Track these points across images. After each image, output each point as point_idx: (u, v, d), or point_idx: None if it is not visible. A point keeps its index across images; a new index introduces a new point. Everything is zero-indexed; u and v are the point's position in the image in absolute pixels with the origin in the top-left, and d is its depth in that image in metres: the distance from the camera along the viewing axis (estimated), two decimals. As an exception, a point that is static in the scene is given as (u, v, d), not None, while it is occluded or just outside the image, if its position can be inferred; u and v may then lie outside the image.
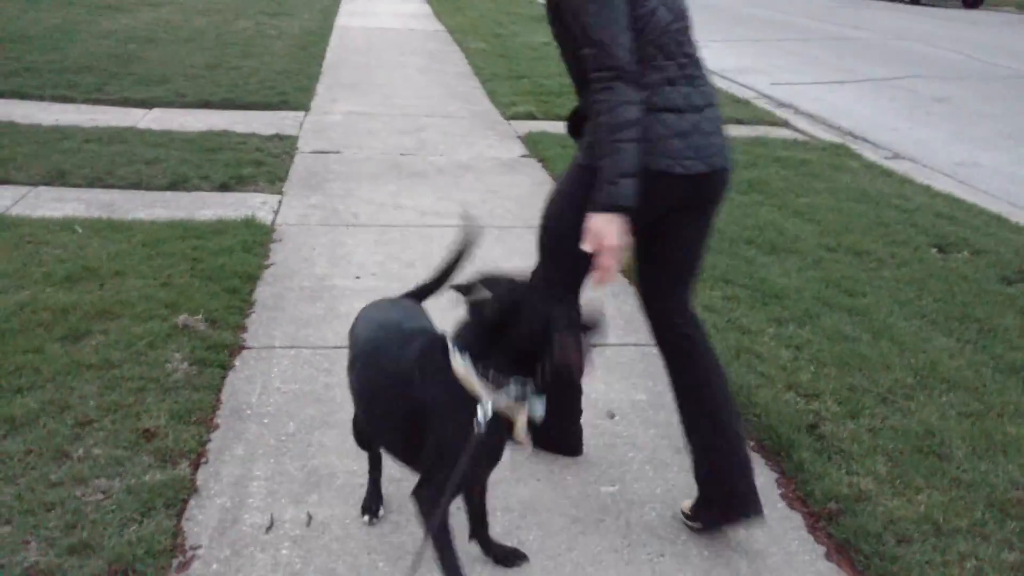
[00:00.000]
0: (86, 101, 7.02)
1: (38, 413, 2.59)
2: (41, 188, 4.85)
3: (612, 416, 2.95)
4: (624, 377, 3.20)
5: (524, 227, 4.74)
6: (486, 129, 6.92)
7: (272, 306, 3.56)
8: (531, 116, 7.40)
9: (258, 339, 3.26)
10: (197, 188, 5.05)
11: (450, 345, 1.85)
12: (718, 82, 9.57)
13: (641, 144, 2.03)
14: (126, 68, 8.18)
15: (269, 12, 13.16)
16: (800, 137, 7.23)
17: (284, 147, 6.02)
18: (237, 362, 3.07)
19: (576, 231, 2.08)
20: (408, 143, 6.31)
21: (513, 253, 4.32)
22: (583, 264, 2.14)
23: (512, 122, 7.17)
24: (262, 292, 3.67)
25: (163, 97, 7.25)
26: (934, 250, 4.64)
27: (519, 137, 6.72)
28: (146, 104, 7.06)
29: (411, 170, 5.68)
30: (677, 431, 2.43)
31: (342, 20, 13.20)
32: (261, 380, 2.97)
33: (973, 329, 3.68)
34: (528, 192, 5.38)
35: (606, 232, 2.03)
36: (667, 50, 2.13)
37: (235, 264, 3.80)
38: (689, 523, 2.40)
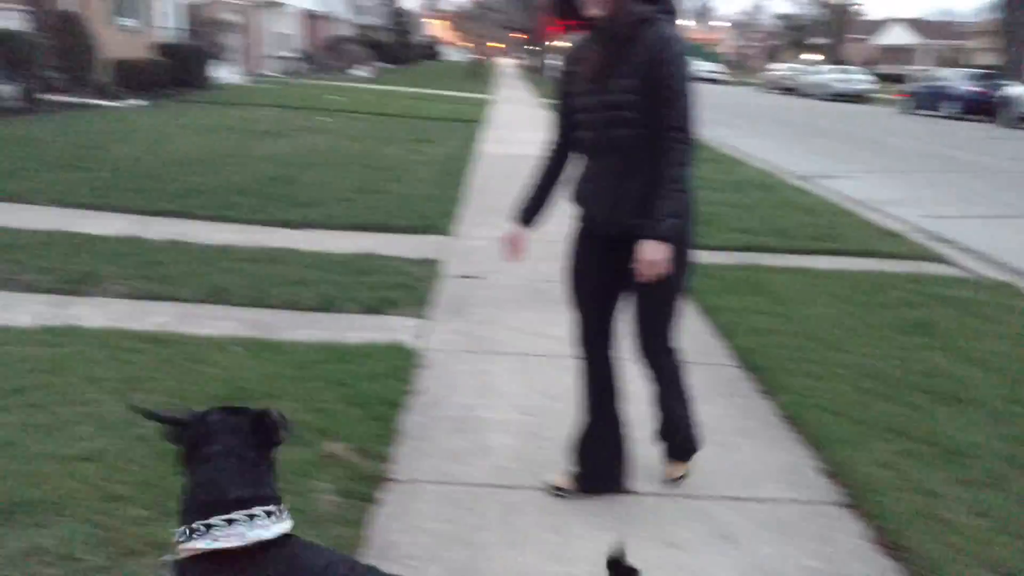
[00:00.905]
0: (246, 222, 7.39)
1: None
2: (202, 306, 5.04)
3: (781, 582, 2.69)
4: (788, 538, 2.93)
5: (672, 362, 4.57)
6: (628, 257, 6.86)
7: (418, 436, 3.49)
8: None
9: (405, 472, 3.18)
10: (346, 310, 5.14)
11: None
12: (866, 213, 9.28)
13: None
14: (283, 191, 8.62)
15: (416, 139, 13.79)
16: (960, 274, 6.83)
17: (429, 271, 6.11)
18: (383, 496, 2.99)
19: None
20: (550, 270, 6.27)
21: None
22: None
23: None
24: (409, 421, 3.62)
25: (316, 219, 7.56)
26: None
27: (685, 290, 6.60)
28: (300, 225, 7.37)
29: (553, 297, 5.63)
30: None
31: (486, 147, 13.68)
32: (407, 517, 2.87)
33: None
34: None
35: (658, 255, 2.69)
36: None
37: (382, 390, 3.78)
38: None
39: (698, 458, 3.40)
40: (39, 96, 14.93)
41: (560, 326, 4.90)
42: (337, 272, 5.86)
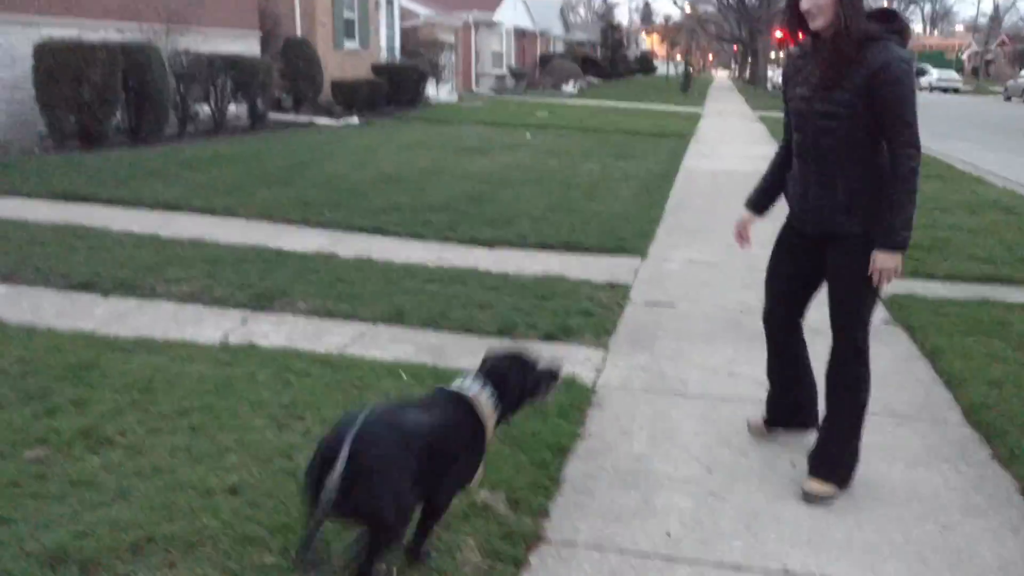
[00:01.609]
0: (437, 239, 7.36)
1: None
2: (379, 327, 4.96)
3: None
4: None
5: (887, 415, 3.94)
6: (840, 287, 6.17)
7: (581, 488, 3.15)
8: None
9: (561, 531, 2.85)
10: (524, 336, 4.88)
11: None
12: None
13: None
14: (477, 208, 8.56)
15: (616, 155, 13.48)
16: None
17: (615, 297, 5.75)
18: (533, 559, 2.67)
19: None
20: (751, 300, 5.74)
21: (870, 447, 3.56)
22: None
23: (871, 280, 6.35)
24: (572, 469, 3.28)
25: (506, 238, 7.40)
26: None
27: (883, 299, 5.88)
28: (490, 244, 7.24)
29: (752, 331, 5.10)
30: None
31: (689, 162, 13.14)
32: (557, 587, 2.53)
33: None
34: (890, 368, 4.56)
35: (891, 263, 2.90)
36: None
37: (548, 432, 3.46)
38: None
39: (903, 536, 2.84)
40: (267, 115, 15.96)
41: (758, 365, 4.40)
42: (520, 295, 5.64)
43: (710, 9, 58.85)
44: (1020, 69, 54.07)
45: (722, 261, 6.90)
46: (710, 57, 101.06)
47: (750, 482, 3.26)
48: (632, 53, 77.65)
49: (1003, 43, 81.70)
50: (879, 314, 5.56)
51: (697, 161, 13.40)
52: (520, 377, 2.64)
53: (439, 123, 18.21)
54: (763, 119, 23.85)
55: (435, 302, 5.38)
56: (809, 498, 3.13)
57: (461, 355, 4.52)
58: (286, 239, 7.01)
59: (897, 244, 2.87)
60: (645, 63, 78.21)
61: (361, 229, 7.56)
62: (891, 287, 6.19)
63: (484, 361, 2.68)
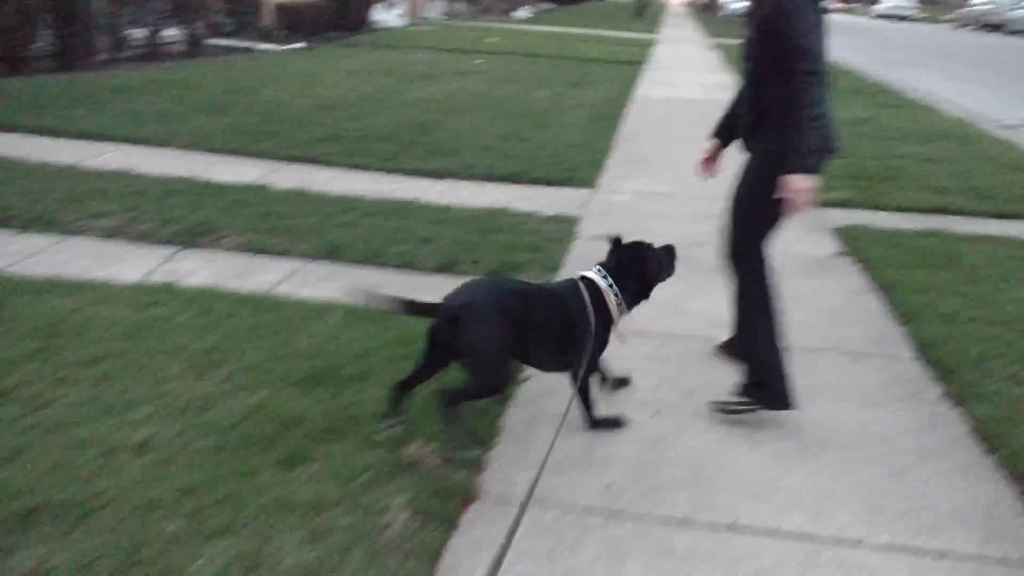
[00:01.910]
0: (379, 170, 7.04)
1: (225, 569, 2.15)
2: (313, 264, 4.69)
3: None
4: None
5: (840, 353, 3.82)
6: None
7: (520, 436, 2.97)
8: (849, 204, 6.40)
9: (496, 484, 2.67)
10: (466, 272, 4.65)
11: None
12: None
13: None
14: (423, 137, 8.23)
15: (570, 82, 13.10)
16: None
17: (563, 230, 5.54)
18: (465, 517, 2.49)
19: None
20: (701, 231, 5.56)
21: (821, 386, 3.44)
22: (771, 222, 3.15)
23: (825, 210, 6.20)
24: (512, 416, 3.10)
25: (452, 168, 7.11)
26: None
27: (834, 229, 5.75)
28: (435, 175, 6.95)
29: (702, 264, 4.93)
30: None
31: (642, 91, 12.83)
32: (490, 548, 2.36)
33: None
34: (842, 303, 4.44)
35: (805, 186, 2.89)
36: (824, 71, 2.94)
37: (488, 377, 3.27)
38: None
39: (854, 482, 2.73)
40: (205, 41, 15.24)
41: (708, 301, 4.25)
42: (464, 229, 5.39)
43: (666, -67, 57.58)
44: (972, -3, 54.15)
45: (673, 192, 6.70)
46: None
47: (697, 428, 3.11)
48: (587, -22, 75.94)
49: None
50: (829, 246, 5.43)
51: (650, 89, 13.10)
52: (640, 269, 3.09)
53: (387, 48, 17.58)
54: (718, 47, 23.50)
55: (374, 237, 5.12)
56: (716, 407, 3.23)
57: (399, 293, 4.28)
58: (218, 170, 6.64)
59: (801, 168, 2.90)
60: (600, -12, 76.60)
61: (299, 159, 7.20)
62: (843, 218, 6.10)
63: (609, 255, 3.11)
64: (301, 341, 3.53)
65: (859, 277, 4.86)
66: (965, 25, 42.29)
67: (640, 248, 3.13)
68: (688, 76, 15.21)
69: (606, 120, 9.84)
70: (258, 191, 6.07)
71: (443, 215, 5.71)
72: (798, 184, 2.89)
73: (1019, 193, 6.83)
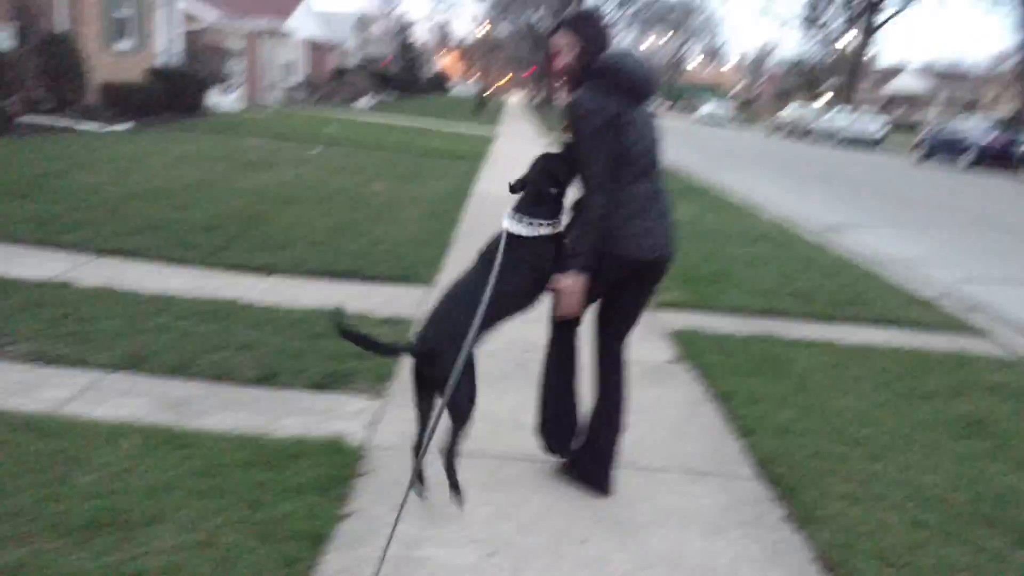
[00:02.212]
0: (201, 264, 6.56)
1: None
2: (112, 376, 4.18)
3: None
4: None
5: (682, 472, 3.69)
6: (629, 322, 6.01)
7: (337, 590, 2.62)
8: (682, 305, 6.47)
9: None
10: (288, 385, 4.28)
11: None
12: (892, 274, 8.42)
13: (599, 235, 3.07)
14: (252, 229, 7.80)
15: (408, 175, 13.01)
16: (1005, 354, 5.96)
17: (398, 334, 5.25)
18: None
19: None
20: (537, 336, 5.43)
21: (665, 511, 3.27)
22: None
23: (660, 312, 6.23)
24: (329, 566, 2.74)
25: (281, 264, 6.73)
26: None
27: (670, 334, 5.76)
28: (262, 271, 6.54)
29: (537, 373, 4.77)
30: None
31: (481, 185, 12.89)
32: None
33: None
34: (682, 415, 4.36)
35: (568, 286, 3.09)
36: (640, 171, 3.09)
37: (303, 515, 2.90)
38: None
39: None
40: (17, 118, 14.20)
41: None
42: (289, 333, 5.02)
43: (505, 33, 59.90)
44: (781, 107, 59.03)
45: (512, 293, 6.59)
46: (504, 79, 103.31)
47: (537, 568, 2.86)
48: (428, 72, 77.83)
49: (767, 82, 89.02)
50: (667, 351, 5.41)
51: (489, 184, 13.18)
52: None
53: (221, 133, 17.01)
54: (554, 143, 24.24)
55: (186, 343, 4.65)
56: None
57: (209, 410, 3.86)
58: (17, 263, 5.98)
59: (572, 266, 3.08)
60: (441, 82, 78.65)
61: (111, 252, 6.60)
62: (677, 320, 6.14)
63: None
64: (85, 475, 3.04)
65: (697, 385, 4.82)
66: (778, 131, 45.89)
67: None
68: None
69: (445, 214, 9.73)
70: (59, 289, 5.47)
71: (268, 317, 5.31)
72: (563, 283, 3.07)
73: (835, 297, 7.14)
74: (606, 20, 3.28)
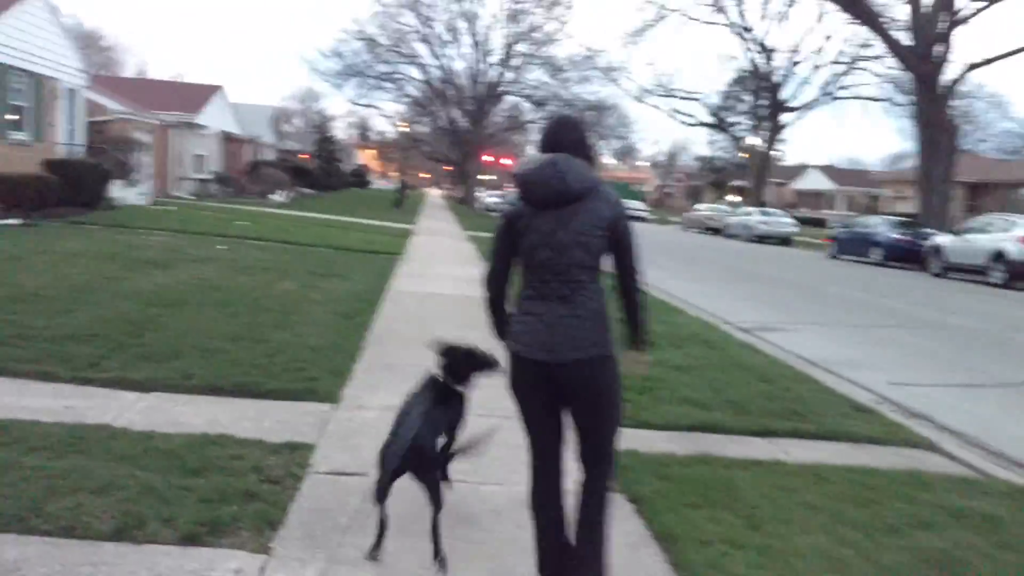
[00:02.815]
0: (73, 380, 5.77)
1: None
2: (-73, 535, 3.38)
3: None
4: None
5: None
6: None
7: None
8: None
9: None
10: (152, 538, 3.54)
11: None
12: (826, 379, 8.09)
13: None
14: (137, 338, 7.03)
15: (320, 272, 12.36)
16: (964, 471, 5.56)
17: (292, 463, 4.56)
18: None
19: None
20: (462, 465, 4.78)
21: None
22: None
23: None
24: None
25: (166, 378, 5.98)
26: None
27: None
28: (143, 386, 5.78)
29: (461, 513, 4.12)
30: None
31: (397, 283, 12.31)
32: None
33: None
34: (622, 562, 3.75)
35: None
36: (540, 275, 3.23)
37: None
38: None
39: None
40: None
41: (476, 569, 3.40)
42: (162, 468, 4.27)
43: (425, 129, 60.42)
44: (694, 203, 60.58)
45: (427, 409, 5.96)
46: (424, 175, 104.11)
47: None
48: (347, 166, 77.78)
49: (679, 180, 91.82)
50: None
51: (406, 282, 12.63)
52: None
53: (120, 229, 16.10)
54: (473, 239, 23.95)
55: (31, 486, 3.87)
56: None
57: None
58: None
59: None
60: (360, 177, 78.65)
61: (-35, 368, 5.78)
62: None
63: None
64: None
65: (636, 521, 4.24)
66: (691, 227, 46.83)
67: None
68: (444, 270, 14.98)
69: (357, 316, 9.09)
70: None
71: (140, 446, 4.56)
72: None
73: (772, 407, 6.72)
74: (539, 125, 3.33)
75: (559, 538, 3.28)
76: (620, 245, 3.27)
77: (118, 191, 22.25)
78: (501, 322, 3.34)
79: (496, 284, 3.33)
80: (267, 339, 7.47)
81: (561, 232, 3.14)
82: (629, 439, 5.53)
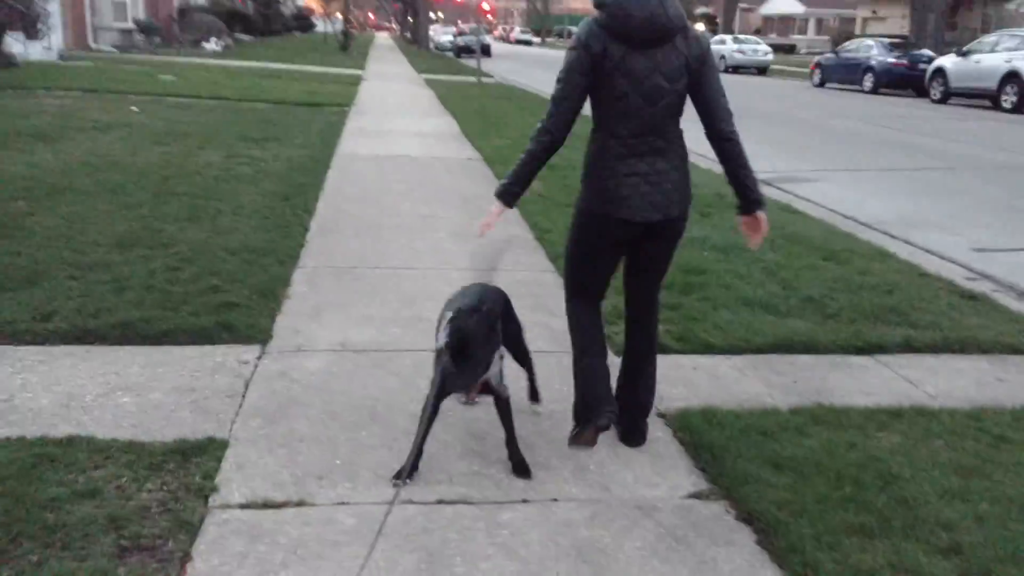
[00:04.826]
0: None
1: None
2: None
3: None
4: None
5: None
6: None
7: None
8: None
9: None
10: None
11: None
12: (895, 247, 6.35)
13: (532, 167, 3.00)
14: (-15, 250, 5.03)
15: (252, 136, 10.16)
16: None
17: (185, 493, 2.72)
18: None
19: None
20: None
21: None
22: None
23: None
24: None
25: (10, 319, 4.05)
26: None
27: (667, 419, 3.44)
28: (-27, 338, 3.86)
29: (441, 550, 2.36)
30: None
31: (346, 145, 10.17)
32: None
33: None
34: None
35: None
36: (630, 127, 2.89)
37: None
38: None
39: None
40: None
41: None
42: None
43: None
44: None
45: (397, 340, 4.13)
46: (371, 16, 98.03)
47: None
48: (288, 9, 72.43)
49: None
50: (684, 479, 3.03)
51: (359, 142, 10.48)
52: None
53: (10, 91, 13.53)
54: (432, 83, 21.48)
55: None
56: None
57: None
58: None
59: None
60: (302, 20, 73.48)
61: None
62: (664, 378, 3.79)
63: None
64: None
65: (759, 556, 2.51)
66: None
67: None
68: (403, 123, 12.78)
69: (296, 197, 7.08)
70: None
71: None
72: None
73: (861, 302, 5.01)
74: None
75: (607, 382, 3.09)
76: (711, 86, 2.90)
77: (18, 46, 19.27)
78: (529, 178, 3.00)
79: (560, 131, 2.92)
80: (171, 241, 5.49)
81: (657, 75, 2.83)
82: (690, 377, 3.80)
